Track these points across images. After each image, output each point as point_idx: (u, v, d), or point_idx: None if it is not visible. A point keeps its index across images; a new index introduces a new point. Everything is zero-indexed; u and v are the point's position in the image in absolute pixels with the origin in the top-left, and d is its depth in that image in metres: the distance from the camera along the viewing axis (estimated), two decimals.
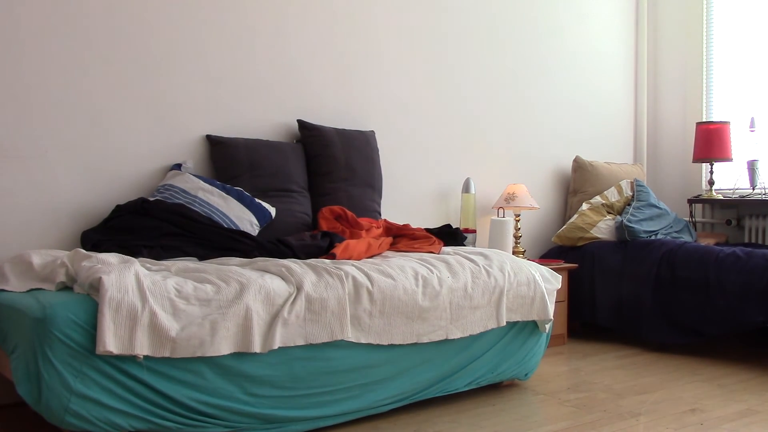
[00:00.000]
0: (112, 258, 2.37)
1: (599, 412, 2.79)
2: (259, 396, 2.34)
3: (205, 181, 3.12)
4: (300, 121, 3.57)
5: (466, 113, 4.29)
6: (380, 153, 3.82)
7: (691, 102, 4.95)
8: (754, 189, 4.46)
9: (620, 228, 4.17)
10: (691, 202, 4.67)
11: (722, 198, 4.51)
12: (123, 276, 2.17)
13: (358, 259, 2.85)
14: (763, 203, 4.39)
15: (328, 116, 3.72)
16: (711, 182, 4.57)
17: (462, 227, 4.04)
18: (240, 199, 3.13)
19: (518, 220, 4.27)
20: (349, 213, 3.35)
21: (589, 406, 2.87)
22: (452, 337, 2.77)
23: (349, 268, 2.60)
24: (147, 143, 3.18)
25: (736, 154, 4.60)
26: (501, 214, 4.24)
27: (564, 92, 4.76)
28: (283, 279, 2.44)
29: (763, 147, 4.52)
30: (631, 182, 4.55)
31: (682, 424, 2.65)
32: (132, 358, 2.12)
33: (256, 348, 2.29)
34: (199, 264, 2.58)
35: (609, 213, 4.39)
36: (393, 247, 3.22)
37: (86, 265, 2.27)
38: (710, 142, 4.50)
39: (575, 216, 4.36)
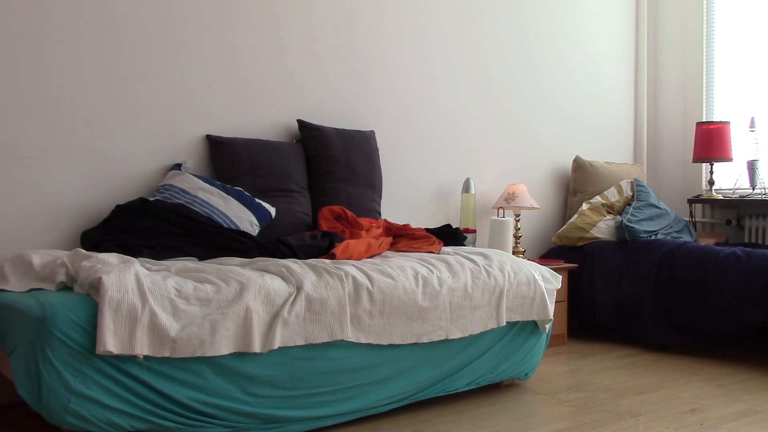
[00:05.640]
0: (112, 258, 2.37)
1: (599, 412, 2.79)
2: (259, 396, 2.34)
3: (205, 181, 3.12)
4: (300, 121, 3.57)
5: (466, 113, 4.29)
6: (380, 153, 3.82)
7: (691, 102, 4.95)
8: (754, 189, 4.46)
9: (620, 228, 4.17)
10: (691, 202, 4.67)
11: (722, 198, 4.51)
12: (123, 276, 2.17)
13: (358, 259, 2.85)
14: (763, 203, 4.39)
15: (328, 116, 3.72)
16: (711, 182, 4.57)
17: (462, 227, 4.04)
18: (240, 199, 3.13)
19: (518, 220, 4.27)
20: (349, 213, 3.35)
21: (589, 406, 2.87)
22: (452, 337, 2.77)
23: (349, 268, 2.60)
24: (147, 143, 3.18)
25: (736, 154, 4.60)
26: (501, 214, 4.24)
27: (564, 92, 4.76)
28: (283, 279, 2.44)
29: (763, 147, 4.52)
30: (631, 182, 4.55)
31: (682, 424, 2.65)
32: (132, 358, 2.12)
33: (256, 348, 2.29)
34: (199, 264, 2.58)
35: (609, 213, 4.39)
36: (393, 247, 3.22)
37: (86, 265, 2.27)
38: (710, 142, 4.50)
39: (575, 216, 4.36)
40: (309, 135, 3.55)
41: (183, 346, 2.17)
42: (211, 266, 2.51)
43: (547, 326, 3.10)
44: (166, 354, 2.15)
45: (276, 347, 2.32)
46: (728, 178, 4.74)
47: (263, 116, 3.52)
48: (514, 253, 4.15)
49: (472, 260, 2.94)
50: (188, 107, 3.29)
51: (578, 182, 4.58)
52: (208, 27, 3.35)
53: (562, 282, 3.35)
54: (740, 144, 4.64)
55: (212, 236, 2.89)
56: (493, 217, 4.07)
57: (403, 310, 2.62)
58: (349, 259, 2.82)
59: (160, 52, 3.21)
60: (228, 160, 3.27)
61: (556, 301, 3.41)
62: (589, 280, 4.16)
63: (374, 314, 2.55)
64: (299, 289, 2.41)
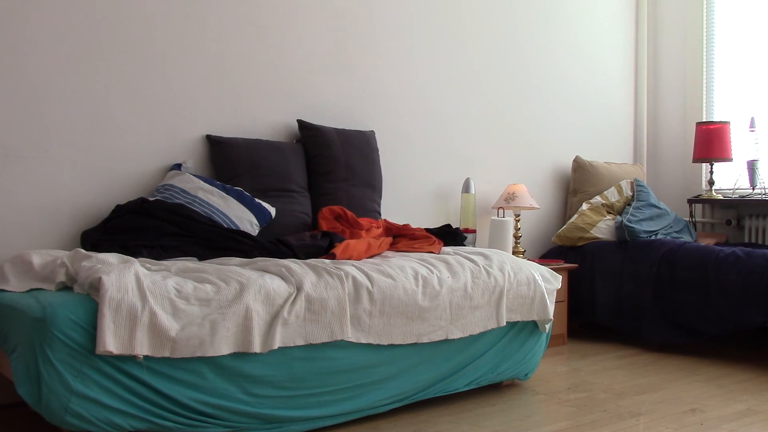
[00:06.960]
0: (112, 258, 2.37)
1: (599, 412, 2.79)
2: (259, 396, 2.34)
3: (205, 181, 3.12)
4: (300, 121, 3.57)
5: (466, 113, 4.29)
6: (380, 153, 3.82)
7: (691, 102, 4.95)
8: (754, 189, 4.47)
9: (620, 228, 4.17)
10: (691, 202, 4.67)
11: (722, 198, 4.51)
12: (123, 276, 2.17)
13: (358, 259, 2.85)
14: (763, 203, 4.39)
15: (328, 116, 3.72)
16: (711, 182, 4.57)
17: (462, 227, 4.04)
18: (240, 199, 3.13)
19: (518, 220, 4.27)
20: (349, 213, 3.35)
21: (589, 406, 2.87)
22: (452, 337, 2.77)
23: (349, 268, 2.60)
24: (147, 143, 3.18)
25: (736, 154, 4.60)
26: (501, 214, 4.24)
27: (564, 92, 4.76)
28: (283, 279, 2.44)
29: (763, 147, 4.52)
30: (631, 182, 4.55)
31: (682, 424, 2.65)
32: (132, 358, 2.12)
33: (256, 348, 2.29)
34: (199, 264, 2.58)
35: (609, 213, 4.39)
36: (393, 247, 3.22)
37: (86, 265, 2.27)
38: (710, 142, 4.50)
39: (575, 216, 4.36)
40: (309, 135, 3.55)
41: (183, 346, 2.17)
42: (211, 266, 2.51)
43: (547, 326, 3.10)
44: (166, 354, 2.15)
45: (276, 347, 2.32)
46: (728, 178, 4.74)
47: (263, 116, 3.52)
48: (514, 253, 4.15)
49: (472, 260, 2.94)
50: (188, 107, 3.29)
51: (578, 182, 4.58)
52: (208, 27, 3.35)
53: (562, 282, 3.35)
54: (740, 144, 4.64)
55: (212, 236, 2.89)
56: (493, 217, 4.07)
57: (403, 310, 2.62)
58: (349, 259, 2.82)
59: (160, 52, 3.21)
60: (228, 160, 3.27)
61: (556, 301, 3.40)
62: (589, 280, 4.16)
63: (374, 314, 2.55)
64: (299, 289, 2.41)
